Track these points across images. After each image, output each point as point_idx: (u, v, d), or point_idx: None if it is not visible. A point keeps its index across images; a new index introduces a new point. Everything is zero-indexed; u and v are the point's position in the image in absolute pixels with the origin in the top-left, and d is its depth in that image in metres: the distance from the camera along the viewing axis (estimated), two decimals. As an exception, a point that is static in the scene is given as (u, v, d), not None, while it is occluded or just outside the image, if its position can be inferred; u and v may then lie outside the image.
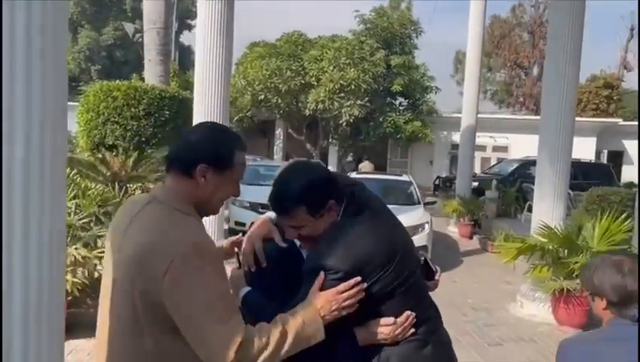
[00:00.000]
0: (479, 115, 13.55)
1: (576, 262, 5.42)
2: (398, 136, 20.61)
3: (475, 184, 13.74)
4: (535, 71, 27.46)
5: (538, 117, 25.70)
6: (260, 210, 9.96)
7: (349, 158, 22.62)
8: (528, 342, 5.34)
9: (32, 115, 0.97)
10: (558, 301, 5.59)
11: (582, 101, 24.78)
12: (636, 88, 27.49)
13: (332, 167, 19.62)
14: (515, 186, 13.17)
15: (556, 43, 6.13)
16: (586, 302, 5.56)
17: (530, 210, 12.44)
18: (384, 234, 1.67)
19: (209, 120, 5.53)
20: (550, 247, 5.69)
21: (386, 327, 1.61)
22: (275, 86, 19.36)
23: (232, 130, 1.73)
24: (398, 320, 1.62)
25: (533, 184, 12.99)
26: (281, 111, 20.74)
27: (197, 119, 5.66)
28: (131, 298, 1.46)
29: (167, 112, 8.96)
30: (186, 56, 30.03)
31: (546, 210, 6.04)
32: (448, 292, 6.39)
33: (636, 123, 21.58)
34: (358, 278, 1.54)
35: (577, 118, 7.02)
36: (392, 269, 1.59)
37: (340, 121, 19.40)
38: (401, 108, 21.77)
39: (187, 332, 1.42)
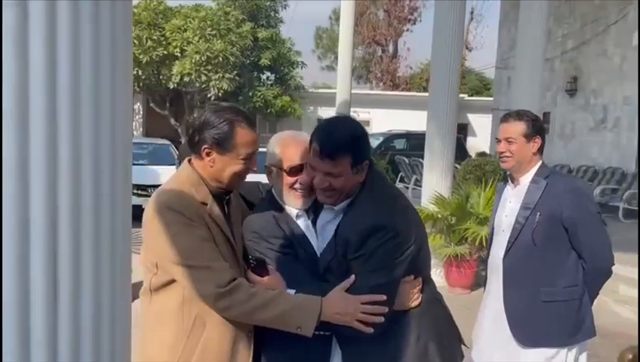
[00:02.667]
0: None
1: (467, 229, 5.86)
2: (268, 111, 20.48)
3: (348, 157, 14.19)
4: (391, 48, 28.99)
5: (398, 93, 26.90)
6: (135, 191, 9.24)
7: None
8: (427, 305, 5.68)
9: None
10: (451, 265, 6.02)
11: (432, 78, 26.63)
12: (475, 67, 30.43)
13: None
14: (385, 159, 13.87)
15: (442, 31, 6.43)
16: (475, 264, 6.07)
17: (402, 181, 13.28)
18: (410, 204, 1.87)
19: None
20: (442, 216, 6.08)
21: (411, 284, 1.76)
22: (135, 57, 17.97)
23: (235, 108, 1.72)
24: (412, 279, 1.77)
25: (405, 156, 13.77)
26: (141, 84, 19.34)
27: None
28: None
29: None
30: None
31: (436, 180, 6.41)
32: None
33: (478, 98, 23.98)
34: (384, 297, 1.60)
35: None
36: (421, 234, 1.79)
37: (209, 95, 18.66)
38: (269, 82, 21.60)
39: (176, 276, 1.59)
